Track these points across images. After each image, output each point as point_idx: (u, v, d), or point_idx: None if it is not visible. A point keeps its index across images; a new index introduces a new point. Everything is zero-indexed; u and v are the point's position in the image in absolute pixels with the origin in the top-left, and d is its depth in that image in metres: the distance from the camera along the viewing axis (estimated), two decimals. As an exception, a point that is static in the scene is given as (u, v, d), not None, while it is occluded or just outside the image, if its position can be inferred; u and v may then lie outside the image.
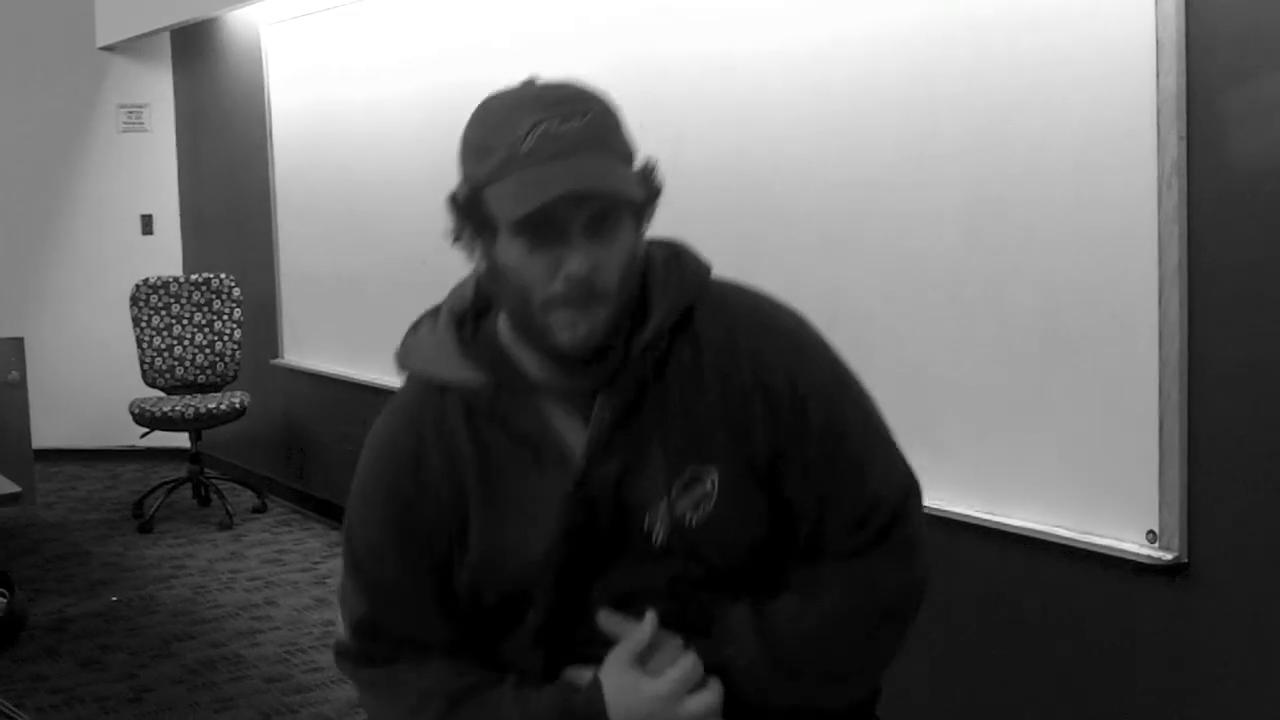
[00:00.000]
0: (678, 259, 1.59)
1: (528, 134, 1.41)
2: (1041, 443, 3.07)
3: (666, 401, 1.51)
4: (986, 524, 3.19)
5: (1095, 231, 2.90)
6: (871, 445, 1.62)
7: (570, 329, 1.44)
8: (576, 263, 1.41)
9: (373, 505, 1.65)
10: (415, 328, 1.64)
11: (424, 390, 1.60)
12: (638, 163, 1.50)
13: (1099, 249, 2.90)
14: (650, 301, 1.53)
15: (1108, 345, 2.90)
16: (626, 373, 1.50)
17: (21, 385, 6.02)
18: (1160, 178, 2.75)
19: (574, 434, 1.52)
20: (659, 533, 1.50)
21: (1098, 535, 2.96)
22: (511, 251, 1.44)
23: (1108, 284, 2.89)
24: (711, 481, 1.50)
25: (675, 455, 1.50)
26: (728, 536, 1.52)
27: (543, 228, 1.41)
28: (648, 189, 1.50)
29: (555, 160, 1.40)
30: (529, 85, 1.49)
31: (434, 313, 1.64)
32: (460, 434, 1.56)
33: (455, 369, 1.55)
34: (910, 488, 1.63)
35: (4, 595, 4.77)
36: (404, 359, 1.62)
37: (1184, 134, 2.71)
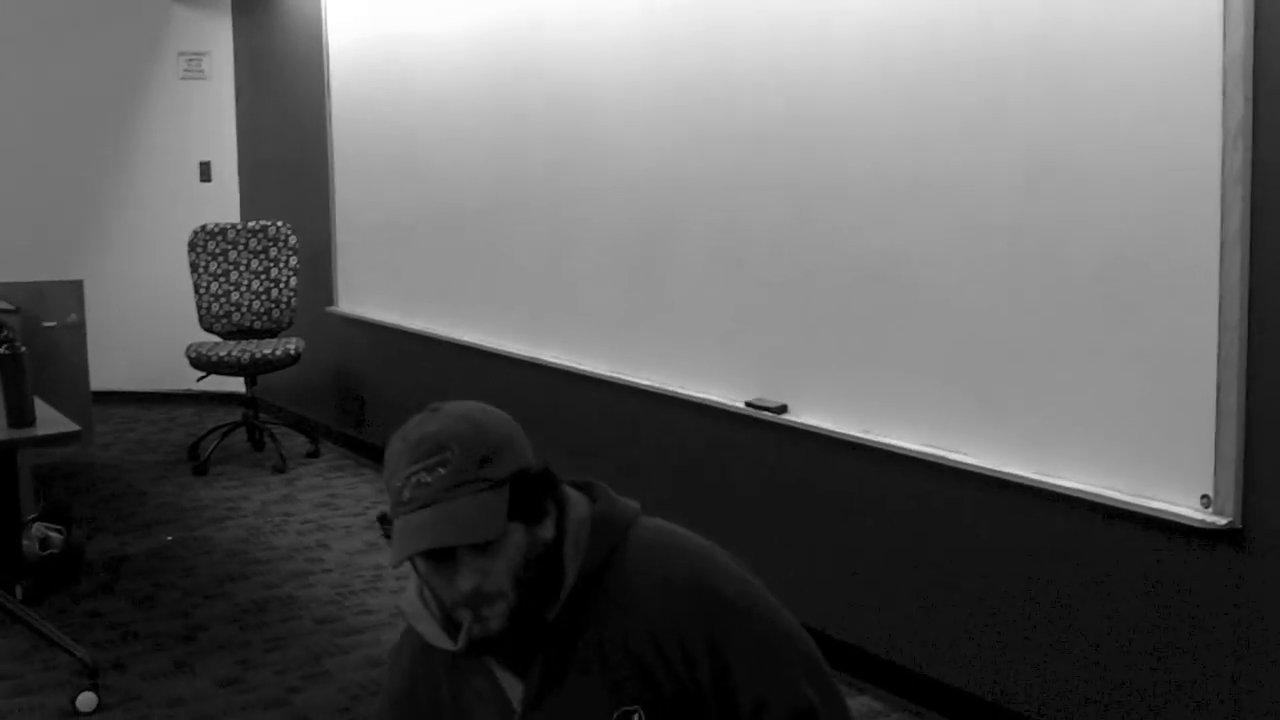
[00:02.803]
0: (592, 520, 1.78)
1: (404, 485, 1.68)
2: (1096, 403, 3.06)
3: (590, 655, 1.73)
4: (1037, 485, 3.18)
5: (1157, 191, 2.88)
6: (775, 669, 1.75)
7: (474, 626, 1.69)
8: (462, 580, 1.67)
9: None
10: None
11: (417, 637, 1.85)
12: (517, 463, 1.72)
13: (1161, 209, 2.87)
14: (564, 564, 1.75)
15: (1167, 306, 2.88)
16: (549, 639, 1.74)
17: (80, 327, 6.09)
18: (1225, 138, 2.72)
19: (515, 690, 1.78)
20: None
21: (1150, 499, 2.94)
22: (420, 567, 1.72)
23: (1169, 244, 2.86)
24: (638, 716, 1.70)
25: (603, 702, 1.72)
26: None
27: (432, 555, 1.68)
28: (528, 488, 1.71)
29: (424, 509, 1.66)
30: (423, 421, 1.73)
31: None
32: (442, 680, 1.86)
33: (430, 632, 1.80)
34: (808, 705, 1.74)
35: (62, 532, 4.85)
36: (402, 608, 1.86)
37: (1250, 94, 2.68)
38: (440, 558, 1.67)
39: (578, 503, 1.80)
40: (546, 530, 1.74)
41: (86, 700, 3.68)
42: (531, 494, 1.71)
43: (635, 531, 1.80)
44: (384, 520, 1.50)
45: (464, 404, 1.77)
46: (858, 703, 3.66)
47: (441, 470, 1.66)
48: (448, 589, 1.69)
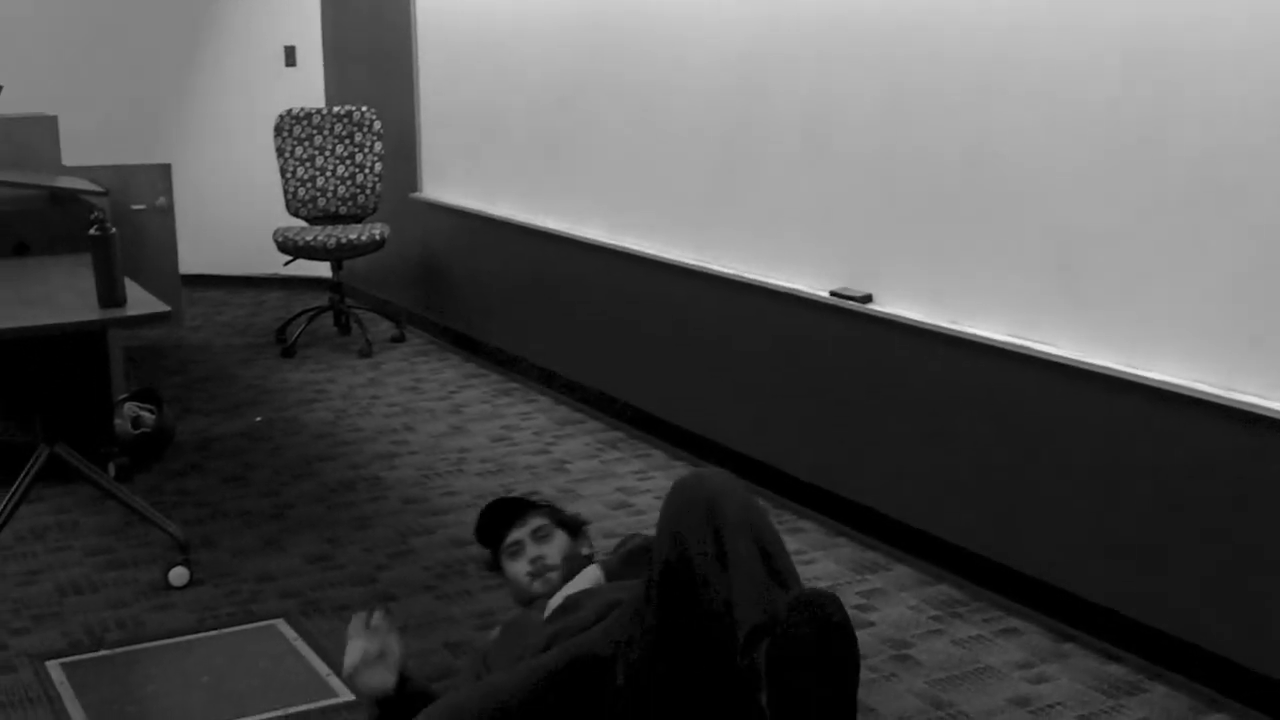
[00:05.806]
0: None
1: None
2: (1188, 296, 3.00)
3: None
4: (1126, 376, 3.14)
5: (1260, 79, 2.79)
6: None
7: (539, 584, 3.03)
8: (531, 554, 3.07)
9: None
10: None
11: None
12: (555, 510, 3.25)
13: (1262, 97, 2.79)
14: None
15: (1265, 197, 2.81)
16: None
17: (169, 210, 6.16)
18: (1335, 21, 2.63)
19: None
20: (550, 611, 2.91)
21: (1240, 392, 2.90)
22: (507, 561, 3.13)
23: (1270, 134, 2.78)
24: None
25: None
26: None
27: (514, 545, 3.12)
28: (563, 519, 3.19)
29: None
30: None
31: None
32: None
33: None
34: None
35: (153, 411, 4.94)
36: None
37: (1364, -25, 2.59)
38: (518, 553, 3.08)
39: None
40: (584, 547, 3.18)
41: (178, 575, 3.77)
42: (567, 523, 3.17)
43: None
44: (488, 565, 3.27)
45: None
46: (936, 590, 3.67)
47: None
48: (524, 565, 3.05)
